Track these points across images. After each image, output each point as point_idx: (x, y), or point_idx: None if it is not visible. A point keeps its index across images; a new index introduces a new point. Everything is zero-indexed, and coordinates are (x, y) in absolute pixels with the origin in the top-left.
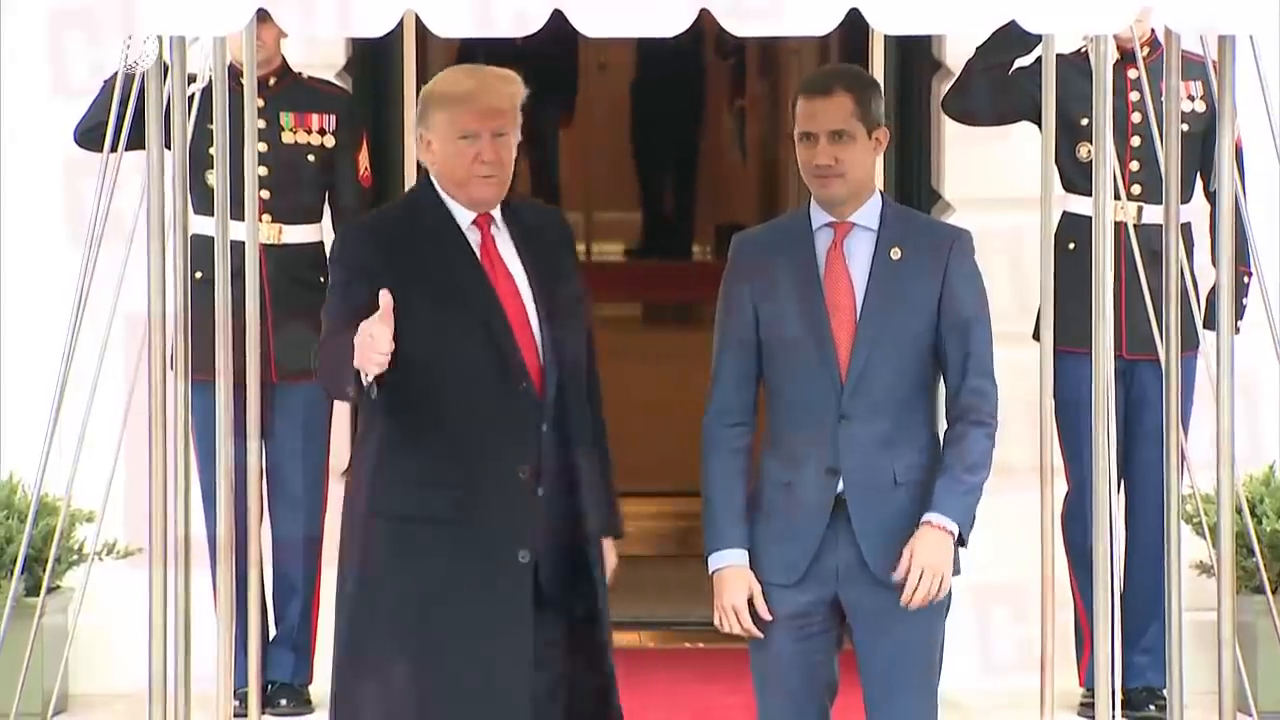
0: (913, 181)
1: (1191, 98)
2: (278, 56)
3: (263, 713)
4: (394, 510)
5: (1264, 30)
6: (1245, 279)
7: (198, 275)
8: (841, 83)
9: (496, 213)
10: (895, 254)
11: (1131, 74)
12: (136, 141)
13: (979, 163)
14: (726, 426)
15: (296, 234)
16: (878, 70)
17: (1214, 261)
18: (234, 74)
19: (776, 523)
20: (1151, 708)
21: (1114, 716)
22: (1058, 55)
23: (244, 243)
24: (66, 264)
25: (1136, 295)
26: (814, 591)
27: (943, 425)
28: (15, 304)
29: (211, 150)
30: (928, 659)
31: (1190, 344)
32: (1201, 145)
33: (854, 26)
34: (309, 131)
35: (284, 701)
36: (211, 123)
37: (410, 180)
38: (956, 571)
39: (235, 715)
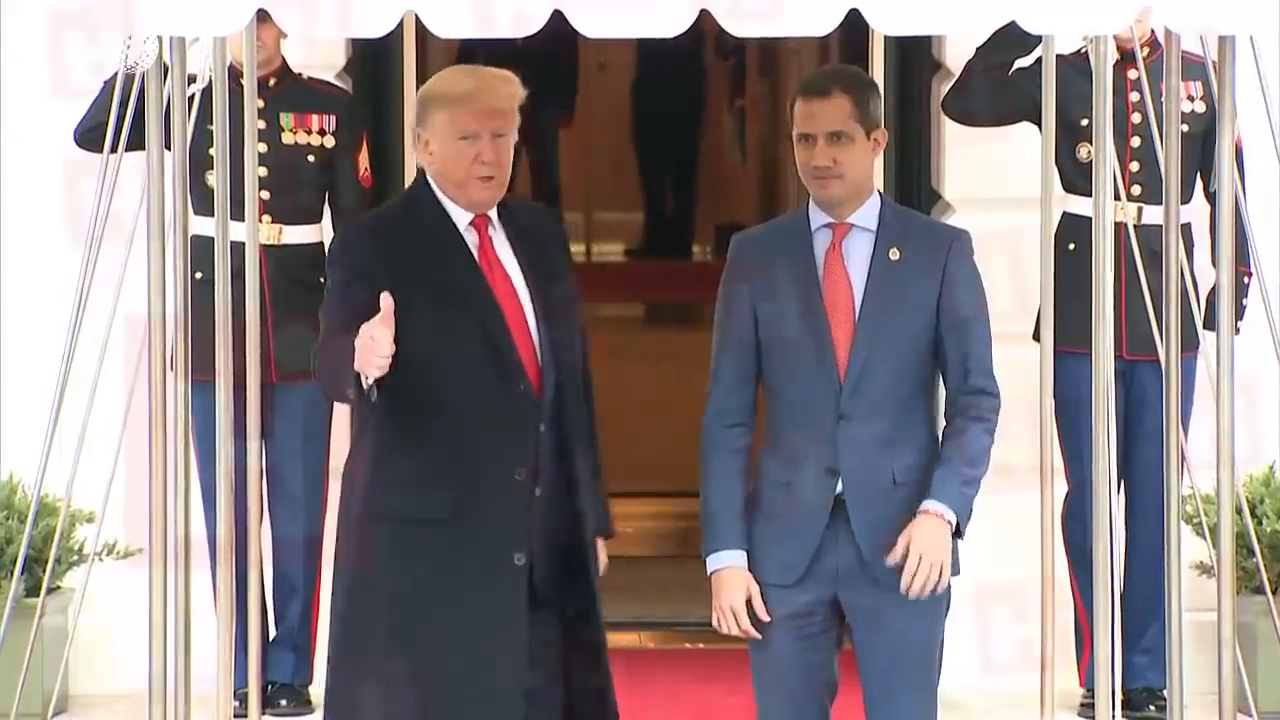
0: (913, 182)
1: (1191, 98)
2: (278, 57)
3: (263, 713)
4: (390, 511)
5: (1264, 30)
6: (1245, 279)
7: (198, 276)
8: (840, 84)
9: (493, 214)
10: (894, 254)
11: (1131, 74)
12: (136, 142)
13: (979, 163)
14: (726, 427)
15: (296, 234)
16: (878, 71)
17: (1214, 262)
18: (234, 74)
19: (776, 523)
20: (1151, 708)
21: (1114, 716)
22: (1058, 56)
23: (244, 243)
24: (66, 264)
25: (1136, 296)
26: (813, 591)
27: (942, 425)
28: (15, 304)
29: (211, 151)
30: (927, 659)
31: (1190, 344)
32: (1201, 146)
33: (854, 27)
34: (309, 132)
35: (284, 702)
36: (211, 123)
37: (410, 181)
38: (956, 571)
39: (235, 715)
